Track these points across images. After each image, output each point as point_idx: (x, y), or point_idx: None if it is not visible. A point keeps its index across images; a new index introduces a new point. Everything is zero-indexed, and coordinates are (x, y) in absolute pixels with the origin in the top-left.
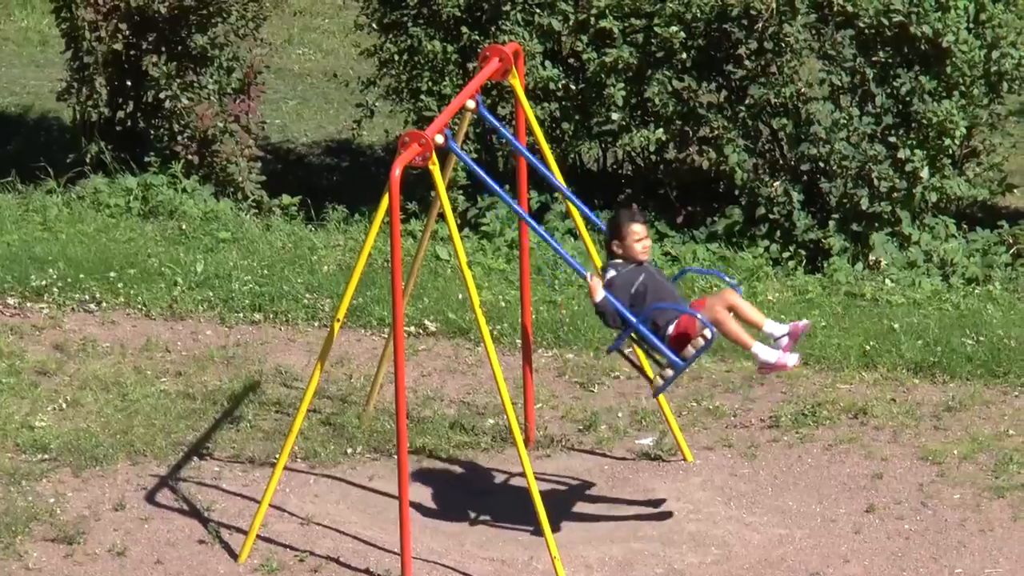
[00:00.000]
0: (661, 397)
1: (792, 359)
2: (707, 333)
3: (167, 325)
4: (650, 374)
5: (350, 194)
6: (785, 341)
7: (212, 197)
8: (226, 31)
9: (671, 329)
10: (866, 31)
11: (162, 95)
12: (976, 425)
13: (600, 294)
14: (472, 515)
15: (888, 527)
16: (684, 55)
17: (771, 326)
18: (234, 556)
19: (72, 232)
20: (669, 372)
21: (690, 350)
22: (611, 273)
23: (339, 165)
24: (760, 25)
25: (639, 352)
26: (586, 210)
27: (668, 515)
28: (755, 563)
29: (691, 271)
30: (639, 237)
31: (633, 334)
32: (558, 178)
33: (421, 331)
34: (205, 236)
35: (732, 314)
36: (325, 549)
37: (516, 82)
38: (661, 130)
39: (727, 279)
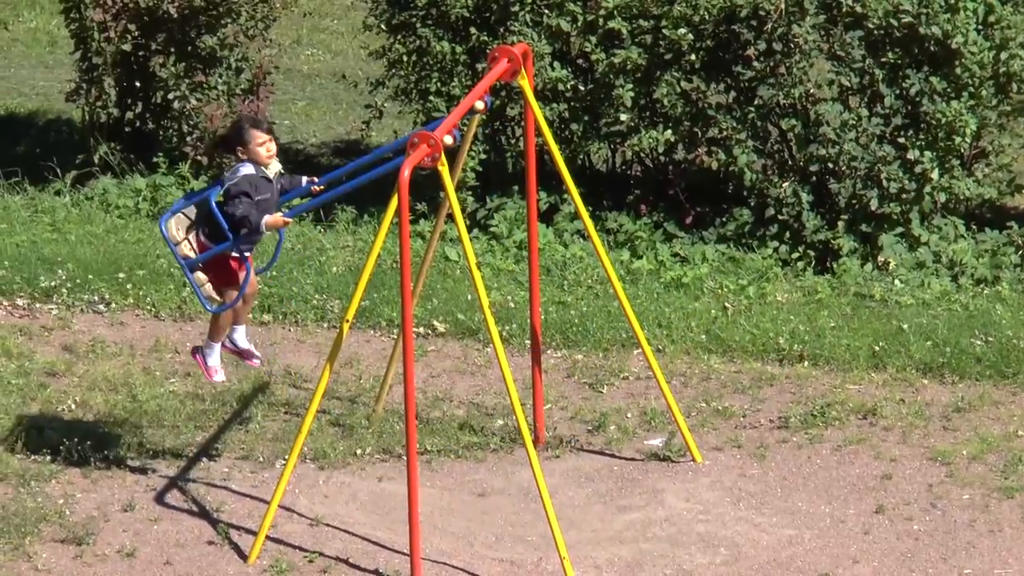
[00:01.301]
0: (670, 397)
1: (218, 376)
2: (223, 302)
3: (176, 326)
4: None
5: (359, 195)
6: (231, 347)
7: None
8: (235, 32)
9: (232, 254)
10: (875, 32)
11: (171, 96)
12: (985, 426)
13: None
14: (481, 516)
15: (897, 528)
16: (693, 56)
17: (240, 335)
18: (243, 557)
19: (81, 233)
20: (187, 252)
21: (214, 296)
22: (248, 169)
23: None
24: (769, 26)
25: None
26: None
27: (677, 516)
28: (764, 564)
29: (294, 211)
30: (262, 141)
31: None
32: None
33: (430, 332)
34: None
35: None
36: (334, 550)
37: (525, 83)
38: (670, 131)
39: (279, 245)
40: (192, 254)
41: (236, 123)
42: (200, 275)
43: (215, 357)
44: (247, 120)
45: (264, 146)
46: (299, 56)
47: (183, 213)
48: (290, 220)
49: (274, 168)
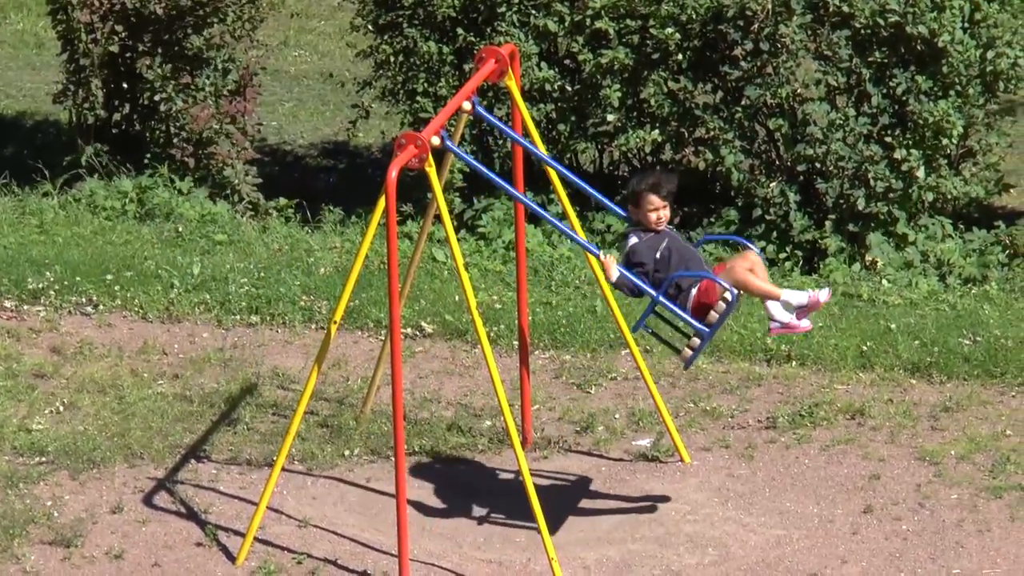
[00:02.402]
0: (658, 397)
1: (806, 323)
2: (728, 296)
3: (164, 327)
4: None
5: (346, 196)
6: (777, 326)
7: (208, 199)
8: (222, 33)
9: (691, 299)
10: (862, 31)
11: (158, 97)
12: (973, 425)
13: (615, 273)
14: (470, 517)
15: (886, 528)
16: (680, 56)
17: (789, 294)
18: (232, 559)
19: (68, 235)
20: (696, 342)
21: (713, 316)
22: (633, 239)
23: (335, 167)
24: (756, 26)
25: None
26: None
27: (665, 516)
28: (753, 564)
29: (710, 239)
30: (654, 207)
31: (657, 307)
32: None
33: (418, 333)
34: (201, 238)
35: (751, 271)
36: (323, 551)
37: (512, 83)
38: (657, 131)
39: (746, 243)
40: (696, 338)
41: (641, 178)
42: (710, 316)
43: (781, 313)
44: (649, 180)
45: (655, 212)
46: (286, 57)
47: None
48: (599, 254)
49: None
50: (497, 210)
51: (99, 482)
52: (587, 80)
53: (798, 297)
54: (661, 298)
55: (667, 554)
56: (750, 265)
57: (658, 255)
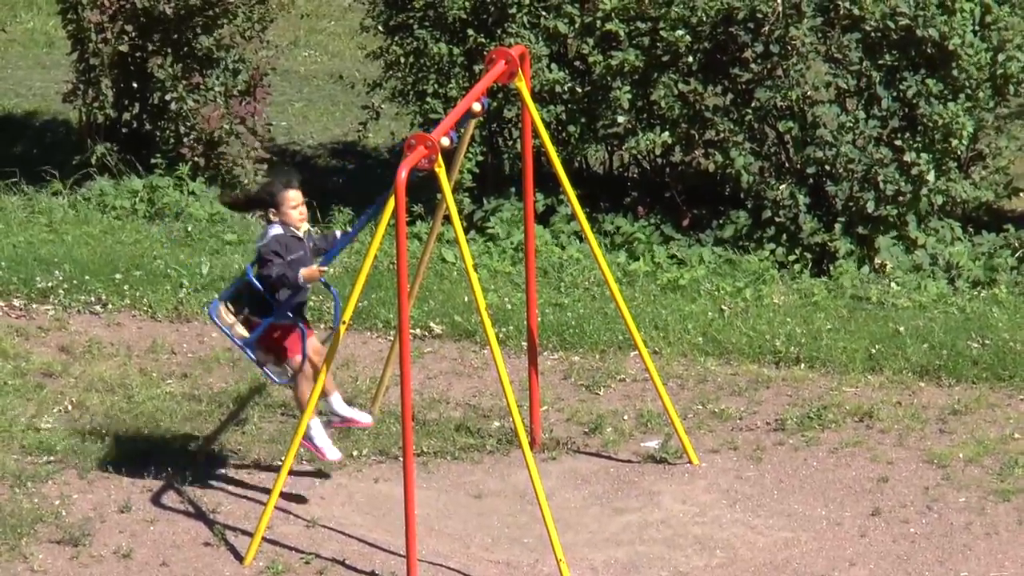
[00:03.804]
0: (667, 399)
1: (333, 454)
2: (287, 374)
3: (173, 327)
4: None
5: (356, 196)
6: (336, 420)
7: (218, 199)
8: (232, 33)
9: (277, 332)
10: (872, 34)
11: (168, 97)
12: (981, 428)
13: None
14: (478, 518)
15: (894, 530)
16: (690, 58)
17: (336, 402)
18: (240, 558)
19: (78, 234)
20: (243, 333)
21: (265, 359)
22: (277, 230)
23: (345, 167)
24: (766, 28)
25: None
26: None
27: (674, 518)
28: (760, 566)
29: (329, 256)
30: (295, 203)
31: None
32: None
33: (427, 333)
34: (211, 238)
35: (314, 373)
36: (331, 551)
37: (522, 85)
38: (667, 133)
39: (336, 305)
40: (246, 333)
41: (269, 185)
42: (260, 353)
43: (321, 436)
44: (280, 182)
45: (297, 209)
46: (296, 57)
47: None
48: (326, 268)
49: (303, 227)
50: (506, 211)
51: (107, 481)
52: (597, 82)
53: (319, 431)
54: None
55: (675, 556)
56: (315, 361)
57: (291, 258)
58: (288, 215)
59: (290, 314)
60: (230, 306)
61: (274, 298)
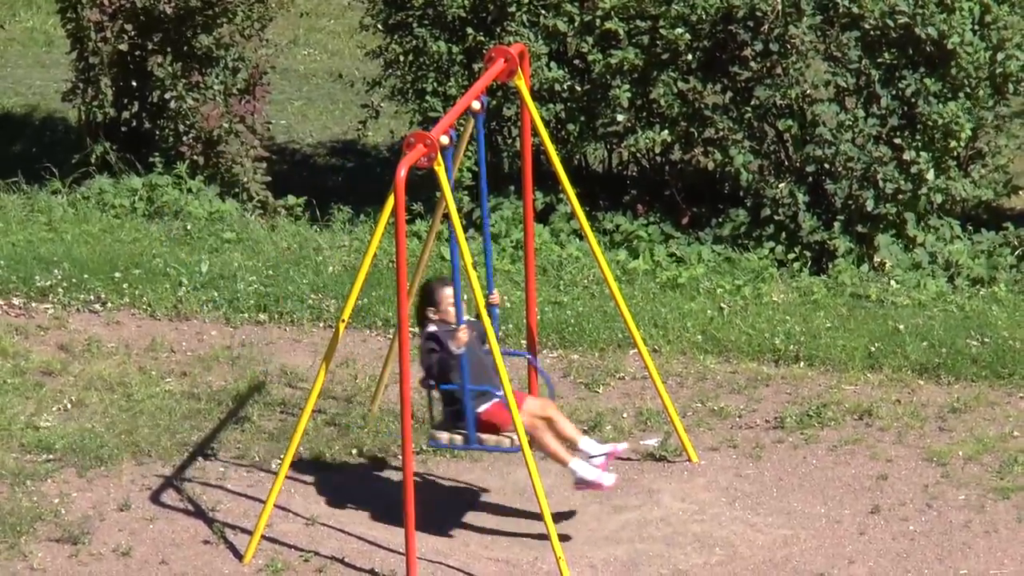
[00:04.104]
0: (666, 397)
1: (609, 479)
2: (510, 442)
3: (172, 325)
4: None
5: (355, 195)
6: (601, 460)
7: (217, 197)
8: (231, 32)
9: (482, 409)
10: (871, 33)
11: (167, 95)
12: (981, 426)
13: (463, 347)
14: (477, 516)
15: (893, 528)
16: (689, 56)
17: (587, 444)
18: (239, 556)
19: (77, 232)
20: (458, 440)
21: (490, 440)
22: (431, 328)
23: (344, 166)
24: (766, 27)
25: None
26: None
27: (673, 516)
28: (760, 564)
29: (506, 353)
30: (452, 301)
31: (435, 395)
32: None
33: None
34: (210, 236)
35: (547, 425)
36: (330, 549)
37: (521, 83)
38: (666, 131)
39: (544, 377)
40: (462, 438)
41: (426, 286)
42: (486, 436)
43: (585, 469)
44: (437, 282)
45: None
46: (295, 56)
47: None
48: (463, 325)
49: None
50: (506, 209)
51: (107, 479)
52: (597, 80)
53: (585, 469)
54: (467, 398)
55: (674, 553)
56: (547, 416)
57: (456, 349)
58: (447, 312)
59: (481, 396)
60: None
61: (449, 382)
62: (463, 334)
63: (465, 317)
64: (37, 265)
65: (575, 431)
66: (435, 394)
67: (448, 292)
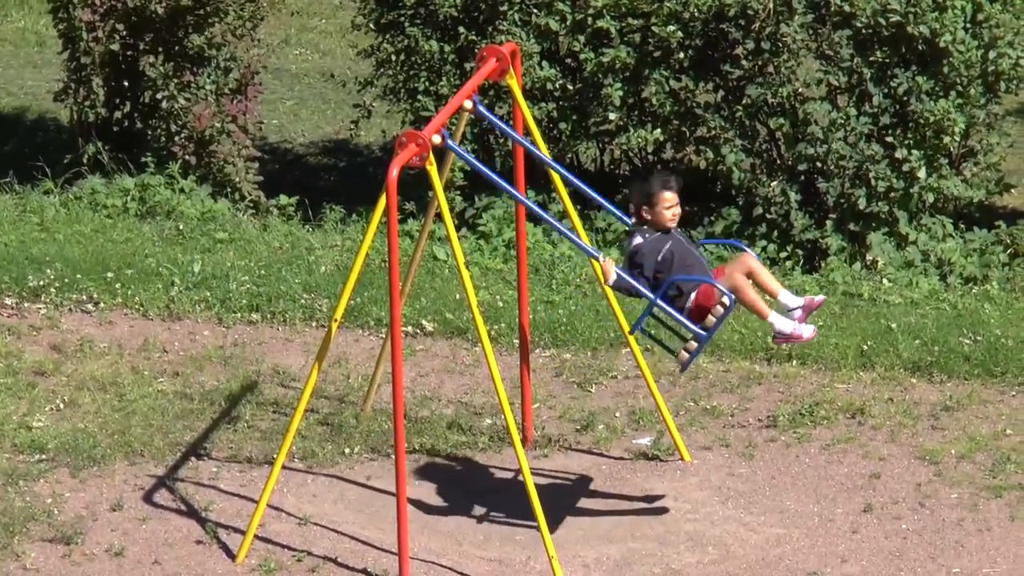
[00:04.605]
0: (659, 396)
1: (808, 330)
2: (726, 300)
3: (164, 325)
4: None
5: (347, 194)
6: (799, 313)
7: (209, 197)
8: (223, 31)
9: (691, 301)
10: (863, 31)
11: (159, 95)
12: (973, 425)
13: (613, 276)
14: (470, 515)
15: (886, 527)
16: (681, 55)
17: (786, 296)
18: (232, 556)
19: (69, 232)
20: (693, 344)
21: (711, 319)
22: (637, 239)
23: (336, 165)
24: (757, 25)
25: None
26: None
27: (666, 515)
28: (753, 563)
29: (707, 243)
30: (670, 204)
31: (655, 309)
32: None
33: (418, 331)
34: (202, 236)
35: (750, 280)
36: (323, 549)
37: (513, 82)
38: (658, 130)
39: (743, 246)
40: (693, 342)
41: (646, 183)
42: (707, 320)
43: (783, 323)
44: (659, 180)
45: (671, 210)
46: (287, 55)
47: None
48: (604, 259)
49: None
50: (498, 208)
51: (99, 480)
52: (588, 79)
53: (783, 322)
54: (659, 301)
55: (667, 552)
56: (747, 269)
57: (660, 257)
58: (661, 215)
59: (682, 282)
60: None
61: (653, 288)
62: (609, 264)
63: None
64: (29, 265)
65: (775, 283)
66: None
67: (668, 195)
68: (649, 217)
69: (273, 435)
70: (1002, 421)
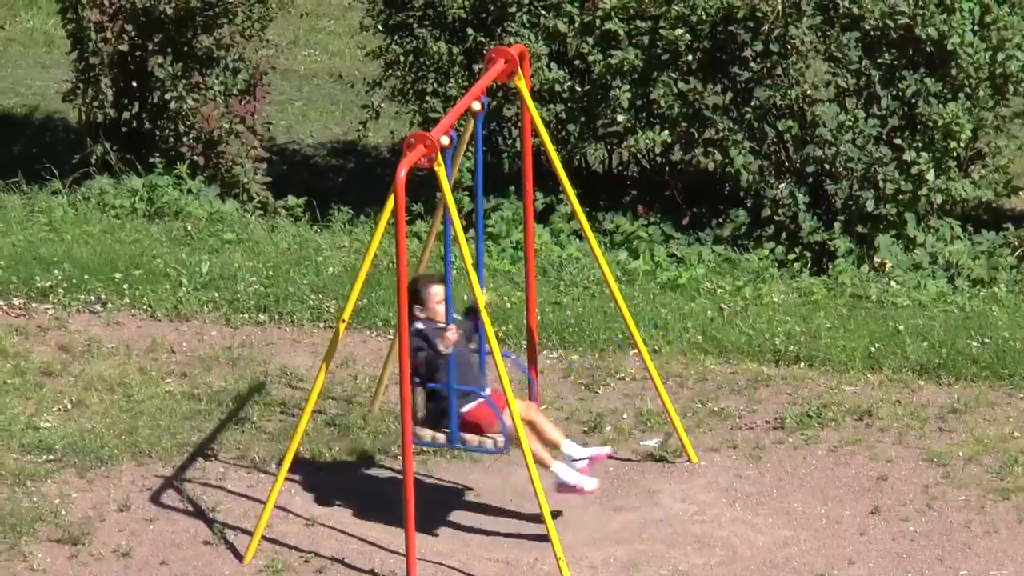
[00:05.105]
0: (666, 398)
1: (591, 484)
2: (500, 442)
3: (172, 326)
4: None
5: (355, 195)
6: (583, 464)
7: (217, 198)
8: (232, 32)
9: (466, 409)
10: (871, 33)
11: (167, 96)
12: (981, 427)
13: (451, 348)
14: (477, 516)
15: (893, 529)
16: (690, 57)
17: (569, 447)
18: (239, 557)
19: (77, 233)
20: (441, 439)
21: (473, 440)
22: (419, 325)
23: (344, 166)
24: (766, 27)
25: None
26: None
27: (673, 516)
28: (760, 565)
29: (489, 355)
30: (439, 299)
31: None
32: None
33: None
34: (210, 237)
35: (530, 429)
36: (330, 550)
37: (522, 84)
38: (666, 132)
39: (529, 378)
40: (444, 436)
41: (413, 283)
42: (469, 436)
43: (568, 474)
44: (424, 280)
45: (442, 305)
46: (296, 56)
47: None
48: (452, 325)
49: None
50: (506, 210)
51: (107, 480)
52: (597, 81)
53: (567, 473)
54: (453, 396)
55: (674, 554)
56: (530, 419)
57: (444, 349)
58: (434, 311)
59: (467, 393)
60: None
61: (436, 381)
62: (452, 334)
63: (455, 316)
64: (37, 265)
65: (558, 434)
66: (419, 391)
67: (435, 290)
68: (423, 315)
69: (280, 436)
70: (1010, 423)
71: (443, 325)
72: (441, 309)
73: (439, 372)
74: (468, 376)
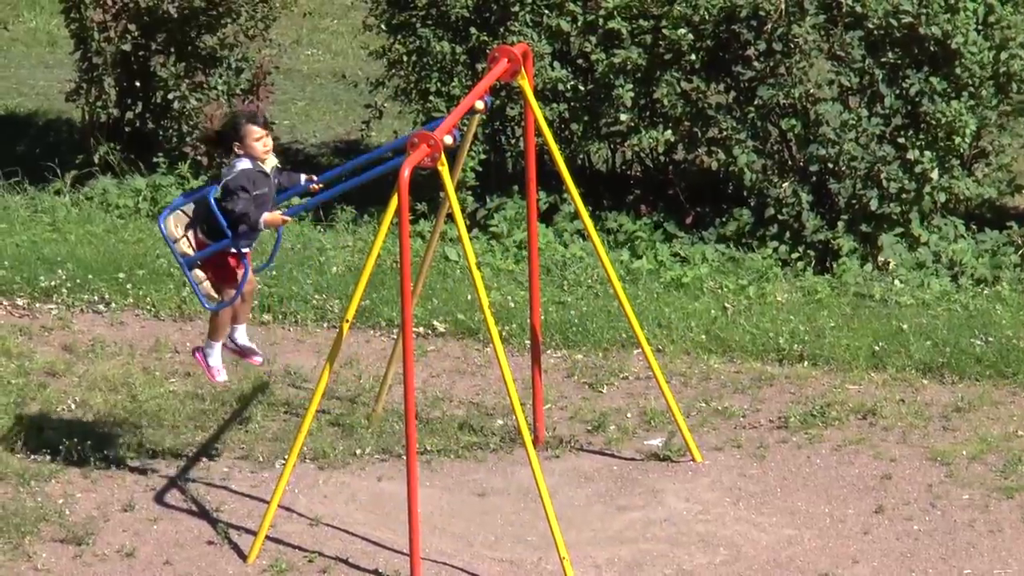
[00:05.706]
0: (670, 397)
1: (221, 376)
2: (232, 295)
3: (176, 326)
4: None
5: (359, 195)
6: (233, 347)
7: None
8: (235, 32)
9: (228, 254)
10: (875, 32)
11: (171, 96)
12: (985, 426)
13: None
14: (481, 516)
15: (897, 528)
16: (693, 56)
17: (241, 334)
18: (243, 557)
19: (81, 233)
20: (183, 255)
21: (212, 294)
22: (246, 164)
23: None
24: (769, 26)
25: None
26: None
27: (677, 516)
28: (764, 564)
29: (282, 198)
30: (258, 136)
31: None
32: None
33: (430, 332)
34: None
35: (241, 302)
36: (334, 550)
37: (525, 83)
38: (670, 131)
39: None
40: (191, 251)
41: (232, 118)
42: (199, 273)
43: (216, 357)
44: (244, 115)
45: (261, 141)
46: (299, 56)
47: (182, 211)
48: (289, 219)
49: (271, 163)
50: (509, 209)
51: (111, 480)
52: (600, 80)
53: (215, 355)
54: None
55: (678, 553)
56: (252, 289)
57: (256, 192)
58: (253, 148)
59: (242, 247)
60: (181, 216)
61: (233, 230)
62: (279, 216)
63: (275, 166)
64: (41, 265)
65: (245, 319)
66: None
67: (254, 128)
68: (242, 153)
69: (284, 436)
70: (1014, 422)
71: (265, 168)
72: (260, 147)
73: (241, 227)
74: (253, 243)
